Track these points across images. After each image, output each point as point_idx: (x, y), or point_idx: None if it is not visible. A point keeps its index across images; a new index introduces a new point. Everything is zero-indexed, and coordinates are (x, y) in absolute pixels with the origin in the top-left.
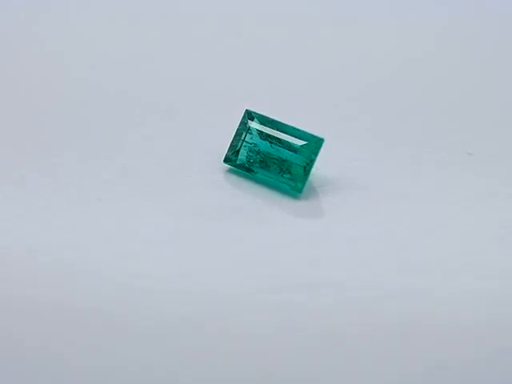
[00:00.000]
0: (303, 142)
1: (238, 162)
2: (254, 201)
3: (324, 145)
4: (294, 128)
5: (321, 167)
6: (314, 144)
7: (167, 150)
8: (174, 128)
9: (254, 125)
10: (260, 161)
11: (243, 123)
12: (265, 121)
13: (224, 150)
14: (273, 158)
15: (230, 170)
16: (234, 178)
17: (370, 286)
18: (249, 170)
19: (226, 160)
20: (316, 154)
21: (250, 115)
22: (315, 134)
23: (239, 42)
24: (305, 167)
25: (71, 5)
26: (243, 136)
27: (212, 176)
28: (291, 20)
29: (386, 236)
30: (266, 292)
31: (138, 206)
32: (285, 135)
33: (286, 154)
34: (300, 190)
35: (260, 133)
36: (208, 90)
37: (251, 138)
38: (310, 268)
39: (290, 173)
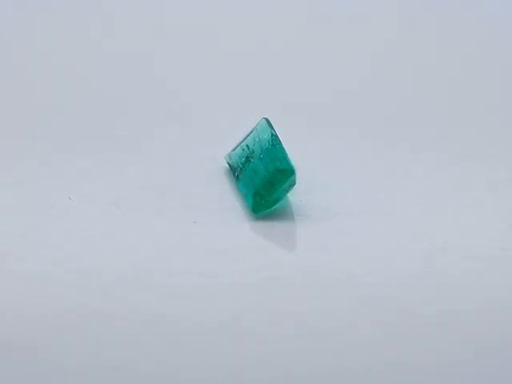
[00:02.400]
0: (279, 167)
1: (231, 163)
2: (226, 207)
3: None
4: (283, 151)
5: (304, 190)
6: (285, 173)
7: (166, 151)
8: (175, 129)
9: (261, 135)
10: (246, 170)
11: (253, 130)
12: (272, 134)
13: (219, 153)
14: (256, 173)
15: (222, 173)
16: (221, 181)
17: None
18: (237, 177)
19: (227, 156)
20: (282, 183)
21: (262, 124)
22: (297, 160)
23: (236, 48)
24: (263, 193)
25: (71, 5)
26: (246, 139)
27: (202, 176)
28: (286, 23)
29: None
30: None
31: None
32: (272, 155)
33: (261, 173)
34: (254, 211)
35: (261, 144)
36: (208, 91)
37: (253, 145)
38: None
39: (257, 193)
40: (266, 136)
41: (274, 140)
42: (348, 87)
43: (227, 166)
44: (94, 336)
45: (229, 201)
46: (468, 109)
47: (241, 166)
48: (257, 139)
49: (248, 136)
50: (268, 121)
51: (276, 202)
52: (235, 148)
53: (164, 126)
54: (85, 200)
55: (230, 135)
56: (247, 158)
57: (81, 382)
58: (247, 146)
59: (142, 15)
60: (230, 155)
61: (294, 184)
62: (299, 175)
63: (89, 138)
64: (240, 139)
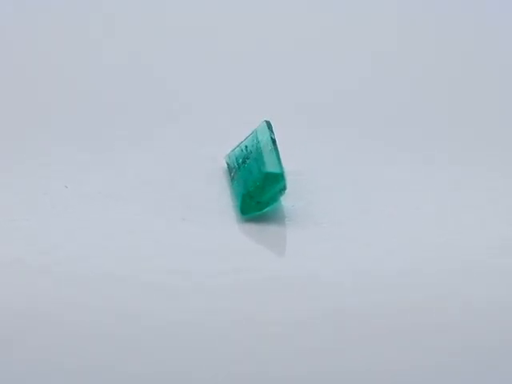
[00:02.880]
0: (270, 171)
1: (229, 162)
2: (223, 207)
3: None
4: (278, 156)
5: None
6: (276, 178)
7: (166, 151)
8: (175, 129)
9: (260, 137)
10: (242, 171)
11: (253, 131)
12: (270, 138)
13: (219, 153)
14: (250, 174)
15: (222, 173)
16: (221, 181)
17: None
18: (233, 177)
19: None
20: (273, 186)
21: (262, 126)
22: (296, 160)
23: (236, 48)
24: (254, 194)
25: (71, 5)
26: (246, 140)
27: (202, 176)
28: (286, 24)
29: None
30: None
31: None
32: (267, 158)
33: (255, 175)
34: (242, 213)
35: (258, 146)
36: (208, 91)
37: (252, 146)
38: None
39: (247, 195)
40: (265, 139)
41: (272, 144)
42: (348, 87)
43: (226, 166)
44: (85, 334)
45: (226, 201)
46: (468, 109)
47: (237, 167)
48: (255, 141)
49: (248, 137)
50: (269, 123)
51: (266, 205)
52: (235, 148)
53: (164, 126)
54: (84, 199)
55: (230, 135)
56: (244, 158)
57: (81, 381)
58: (246, 146)
59: (141, 15)
60: (229, 155)
61: (285, 189)
62: (298, 176)
63: (89, 138)
64: (240, 139)
